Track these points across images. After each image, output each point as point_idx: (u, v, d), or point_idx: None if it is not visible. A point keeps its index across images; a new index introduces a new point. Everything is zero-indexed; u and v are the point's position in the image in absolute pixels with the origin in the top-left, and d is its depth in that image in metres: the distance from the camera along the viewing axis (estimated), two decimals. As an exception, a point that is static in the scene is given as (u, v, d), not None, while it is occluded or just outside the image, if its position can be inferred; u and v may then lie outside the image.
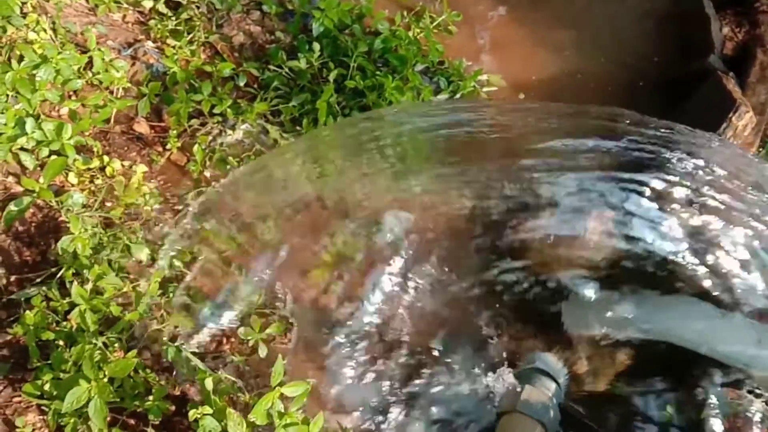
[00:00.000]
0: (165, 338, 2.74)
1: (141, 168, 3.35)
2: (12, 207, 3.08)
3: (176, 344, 2.71)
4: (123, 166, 3.35)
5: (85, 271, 2.81)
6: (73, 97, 3.44)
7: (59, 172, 3.13)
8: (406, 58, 3.90)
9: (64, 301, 2.73)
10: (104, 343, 2.63)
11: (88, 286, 2.79)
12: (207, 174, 3.71)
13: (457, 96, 3.97)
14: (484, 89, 4.02)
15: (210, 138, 3.81)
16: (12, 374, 2.71)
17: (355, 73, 3.90)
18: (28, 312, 2.69)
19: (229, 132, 3.84)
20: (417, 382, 3.05)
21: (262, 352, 2.99)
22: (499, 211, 3.21)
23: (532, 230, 3.17)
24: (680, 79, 3.96)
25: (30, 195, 3.09)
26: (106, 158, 3.35)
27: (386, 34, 3.90)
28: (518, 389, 2.87)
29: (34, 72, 3.23)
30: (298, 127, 3.87)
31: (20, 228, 3.10)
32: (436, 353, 3.10)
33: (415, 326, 3.14)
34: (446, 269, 3.21)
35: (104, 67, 3.44)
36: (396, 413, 3.00)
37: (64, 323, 2.72)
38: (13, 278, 2.95)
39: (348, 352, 3.08)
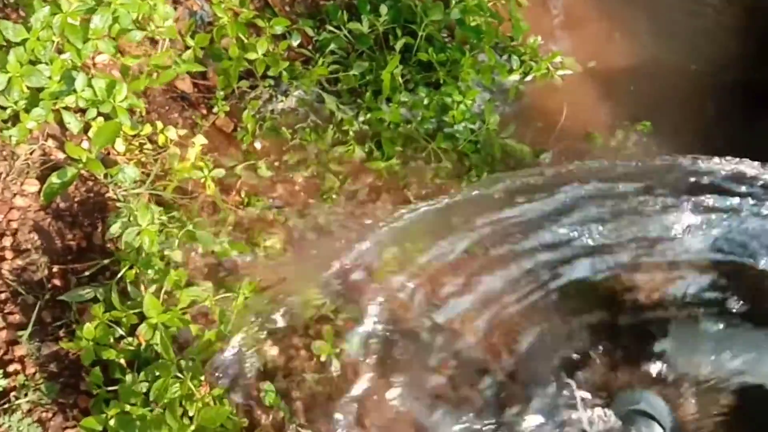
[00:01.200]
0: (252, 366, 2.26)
1: (200, 139, 2.81)
2: (54, 179, 2.54)
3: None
4: (179, 135, 2.79)
5: (150, 271, 2.29)
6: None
7: (111, 140, 2.59)
8: (483, 33, 3.40)
9: (130, 312, 2.20)
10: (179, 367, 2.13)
11: (153, 289, 2.28)
12: (257, 145, 3.18)
13: (529, 78, 3.50)
14: (558, 72, 3.56)
15: (260, 103, 3.27)
16: (62, 397, 2.20)
17: (423, 44, 3.39)
18: (88, 325, 2.17)
19: (281, 98, 3.33)
20: (505, 413, 2.66)
21: (335, 367, 2.53)
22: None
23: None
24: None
25: (74, 165, 2.54)
26: (159, 124, 2.80)
27: (468, 3, 3.38)
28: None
29: (88, 17, 2.62)
30: (357, 99, 3.35)
31: (62, 205, 2.55)
32: (522, 384, 2.70)
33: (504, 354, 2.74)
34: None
35: (164, 17, 2.84)
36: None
37: (130, 338, 2.20)
38: (55, 268, 2.43)
39: (431, 376, 2.66)
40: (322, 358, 2.59)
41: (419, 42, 3.41)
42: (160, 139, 2.84)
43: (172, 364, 2.05)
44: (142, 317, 2.25)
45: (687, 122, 3.38)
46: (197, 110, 3.23)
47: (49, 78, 2.59)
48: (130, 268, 2.34)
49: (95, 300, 2.30)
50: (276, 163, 3.21)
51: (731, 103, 3.58)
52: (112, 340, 2.20)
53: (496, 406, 2.67)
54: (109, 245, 2.55)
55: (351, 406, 2.58)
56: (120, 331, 2.24)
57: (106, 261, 2.46)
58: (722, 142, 3.17)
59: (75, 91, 2.61)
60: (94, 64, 2.87)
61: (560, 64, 3.57)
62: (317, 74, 3.27)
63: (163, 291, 2.27)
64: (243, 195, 3.05)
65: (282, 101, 3.35)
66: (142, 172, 2.77)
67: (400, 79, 3.35)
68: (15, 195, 2.54)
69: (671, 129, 3.42)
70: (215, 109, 3.20)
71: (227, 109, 3.20)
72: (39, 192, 2.57)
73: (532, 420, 2.67)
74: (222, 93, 3.22)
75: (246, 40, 3.28)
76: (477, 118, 3.33)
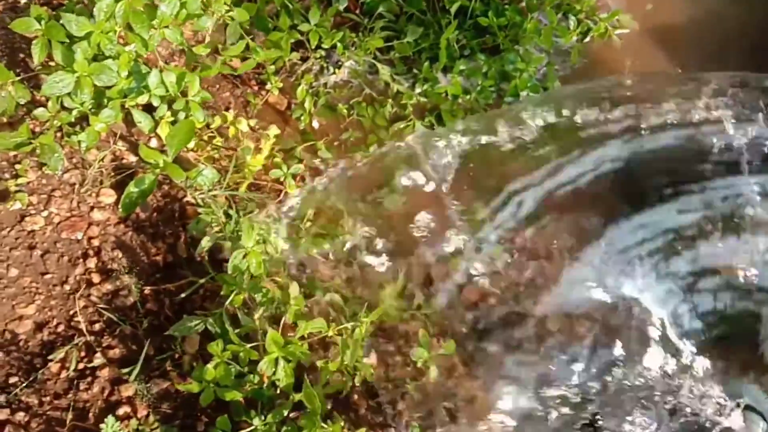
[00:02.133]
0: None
1: (273, 131, 2.58)
2: (132, 188, 2.30)
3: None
4: (250, 127, 2.55)
5: (259, 296, 2.09)
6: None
7: (188, 140, 2.35)
8: (545, -8, 3.18)
9: (248, 347, 2.01)
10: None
11: (260, 312, 2.09)
12: (314, 124, 2.95)
13: (587, 39, 3.30)
14: (616, 31, 3.36)
15: (312, 77, 3.02)
16: (181, 440, 2.03)
17: (478, 6, 3.15)
18: (208, 368, 1.97)
19: (333, 70, 3.07)
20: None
21: (433, 374, 2.39)
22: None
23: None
24: None
25: (151, 170, 2.29)
26: (229, 115, 2.55)
27: (525, -40, 3.15)
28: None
29: (151, 3, 2.34)
30: (412, 69, 3.11)
31: (141, 215, 2.32)
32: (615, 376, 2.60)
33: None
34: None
35: (229, -1, 2.56)
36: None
37: (251, 375, 2.02)
38: (147, 290, 2.21)
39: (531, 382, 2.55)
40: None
41: (473, 4, 3.17)
42: (231, 132, 2.59)
43: (316, 415, 1.87)
44: (257, 346, 2.06)
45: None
46: (248, 86, 2.98)
47: (116, 72, 2.31)
48: (237, 293, 2.12)
49: (206, 332, 2.10)
50: (335, 143, 2.98)
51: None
52: (232, 378, 2.01)
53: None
54: (195, 257, 2.32)
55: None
56: (237, 367, 2.04)
57: (201, 280, 2.24)
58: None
59: (147, 88, 2.34)
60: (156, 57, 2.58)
61: (617, 22, 3.36)
62: (373, 44, 3.01)
63: (282, 323, 2.07)
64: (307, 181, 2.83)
65: (334, 74, 3.10)
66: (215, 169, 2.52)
67: (455, 45, 3.12)
68: (92, 208, 2.30)
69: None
70: (268, 86, 2.93)
71: (280, 85, 2.94)
72: (116, 203, 2.33)
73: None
74: (273, 67, 2.95)
75: (291, 7, 3.00)
76: (538, 86, 3.12)
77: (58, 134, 2.34)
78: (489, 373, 2.59)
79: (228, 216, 2.42)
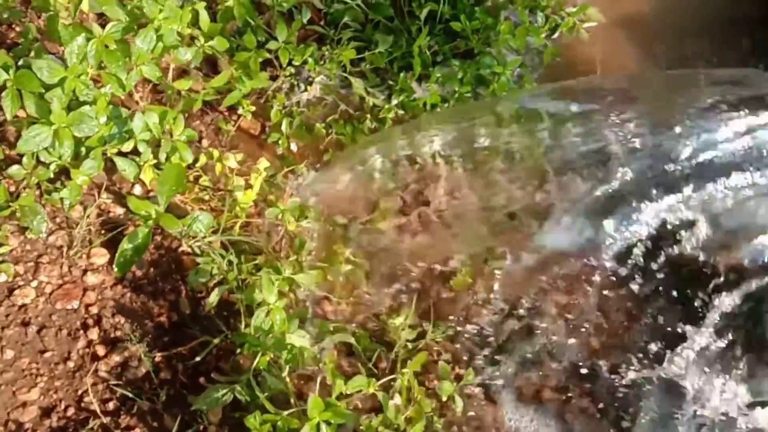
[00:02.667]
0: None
1: (263, 163, 2.40)
2: (126, 245, 2.10)
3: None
4: (238, 163, 2.37)
5: (284, 353, 1.93)
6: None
7: (180, 185, 2.15)
8: (514, -8, 3.07)
9: (284, 414, 1.85)
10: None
11: (284, 372, 1.94)
12: (293, 147, 2.78)
13: (556, 35, 3.20)
14: (584, 25, 3.26)
15: (283, 97, 2.85)
16: None
17: (446, 9, 3.01)
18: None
19: (305, 87, 2.90)
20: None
21: (459, 406, 2.27)
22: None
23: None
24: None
25: (144, 223, 2.09)
26: (215, 152, 2.36)
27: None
28: None
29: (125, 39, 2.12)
30: (386, 80, 2.97)
31: (137, 273, 2.11)
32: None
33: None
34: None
35: (209, 25, 2.36)
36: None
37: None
38: (158, 356, 2.01)
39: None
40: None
41: (442, 8, 3.03)
42: (217, 169, 2.40)
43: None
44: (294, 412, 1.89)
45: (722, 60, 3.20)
46: (218, 113, 2.77)
47: (93, 117, 2.09)
48: (259, 353, 1.95)
49: (235, 403, 1.92)
50: (317, 165, 2.81)
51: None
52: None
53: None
54: (200, 312, 2.14)
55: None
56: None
57: (215, 340, 2.05)
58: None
59: (131, 132, 2.13)
60: (130, 95, 2.36)
61: (584, 16, 3.27)
62: (346, 57, 2.84)
63: (319, 383, 1.91)
64: (294, 209, 2.66)
65: (306, 91, 2.93)
66: (202, 209, 2.34)
67: (427, 52, 2.98)
68: (85, 272, 2.08)
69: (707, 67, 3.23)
70: (239, 111, 2.72)
71: (253, 109, 2.74)
72: (109, 262, 2.12)
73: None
74: (240, 90, 2.75)
75: (254, 23, 2.80)
76: (517, 89, 3.01)
77: (37, 192, 2.10)
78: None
79: (229, 263, 2.24)
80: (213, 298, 2.10)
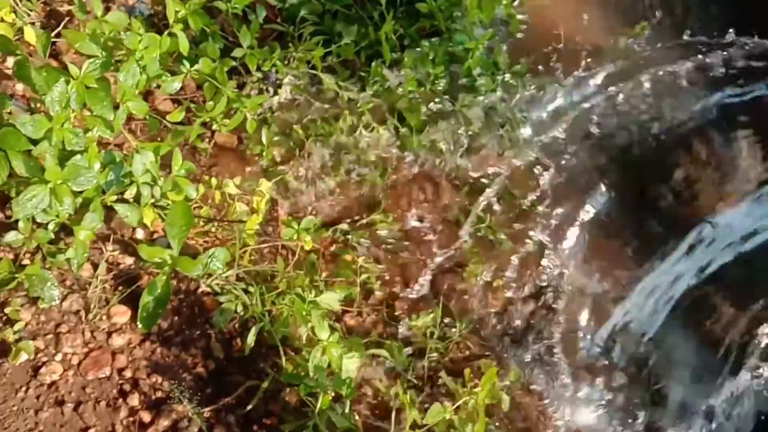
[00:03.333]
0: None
1: (265, 184, 2.25)
2: (147, 298, 1.95)
3: None
4: (236, 186, 2.21)
5: (344, 389, 1.83)
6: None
7: (189, 224, 1.99)
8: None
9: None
10: None
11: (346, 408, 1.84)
12: (276, 154, 2.64)
13: (516, 2, 3.10)
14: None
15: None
16: None
17: (405, -11, 2.89)
18: None
19: (274, 91, 2.75)
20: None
21: (505, 404, 2.20)
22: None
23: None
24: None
25: (161, 271, 1.94)
26: (213, 180, 2.20)
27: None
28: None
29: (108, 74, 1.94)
30: (355, 71, 2.84)
31: (162, 324, 1.96)
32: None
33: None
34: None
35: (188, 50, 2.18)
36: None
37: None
38: (207, 412, 1.87)
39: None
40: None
41: (399, -12, 2.90)
42: (217, 197, 2.24)
43: None
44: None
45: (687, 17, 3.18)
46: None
47: (86, 168, 1.90)
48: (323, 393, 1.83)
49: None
50: (303, 170, 2.67)
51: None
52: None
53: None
54: (234, 353, 2.00)
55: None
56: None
57: (263, 384, 1.92)
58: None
59: (129, 176, 1.95)
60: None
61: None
62: (316, 56, 2.70)
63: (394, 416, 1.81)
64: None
65: (276, 95, 2.77)
66: (206, 243, 2.19)
67: (394, 37, 2.85)
68: (109, 335, 1.91)
69: (671, 23, 3.20)
70: (213, 126, 2.56)
71: (227, 122, 2.57)
72: (132, 318, 1.95)
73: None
74: (212, 103, 2.58)
75: (209, 30, 2.62)
76: (491, 62, 2.92)
77: (39, 257, 1.91)
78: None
79: (247, 293, 2.10)
80: (250, 339, 1.96)
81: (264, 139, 2.59)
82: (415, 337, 2.37)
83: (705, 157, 2.83)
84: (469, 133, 2.84)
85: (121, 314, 1.96)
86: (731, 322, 2.56)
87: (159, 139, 2.30)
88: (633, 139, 2.88)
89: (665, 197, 2.77)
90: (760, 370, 2.51)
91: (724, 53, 3.09)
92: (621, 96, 2.96)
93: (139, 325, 1.95)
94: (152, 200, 2.05)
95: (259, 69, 2.66)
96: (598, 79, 3.01)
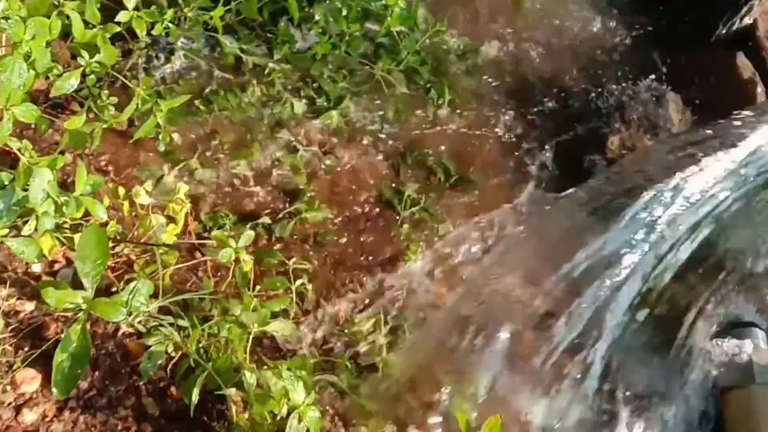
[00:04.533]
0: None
1: (182, 187, 1.85)
2: (60, 356, 1.52)
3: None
4: (148, 192, 1.81)
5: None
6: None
7: (105, 254, 1.57)
8: None
9: None
10: None
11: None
12: (175, 136, 2.22)
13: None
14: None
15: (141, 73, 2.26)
16: None
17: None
18: None
19: (165, 59, 2.31)
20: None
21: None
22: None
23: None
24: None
25: (77, 319, 1.54)
26: (121, 189, 1.78)
27: None
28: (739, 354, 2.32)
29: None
30: (260, 32, 2.44)
31: (82, 384, 1.56)
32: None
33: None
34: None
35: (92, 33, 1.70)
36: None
37: None
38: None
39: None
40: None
41: (303, -67, 2.47)
42: (125, 209, 1.81)
43: None
44: None
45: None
46: (70, 112, 2.12)
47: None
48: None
49: None
50: (208, 153, 2.26)
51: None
52: None
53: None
54: (172, 408, 1.63)
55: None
56: None
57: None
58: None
59: (24, 203, 1.50)
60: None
61: None
62: (215, 17, 2.25)
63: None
64: (204, 219, 2.13)
65: (169, 63, 2.32)
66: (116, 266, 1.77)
67: (301, -8, 2.44)
68: (18, 410, 1.48)
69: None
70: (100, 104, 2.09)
71: (115, 100, 2.11)
72: (44, 383, 1.52)
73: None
74: (93, 77, 2.10)
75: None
76: (412, 19, 2.57)
77: None
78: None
79: (179, 329, 1.72)
80: (194, 396, 1.58)
81: (161, 119, 2.14)
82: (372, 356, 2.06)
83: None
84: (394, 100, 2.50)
85: (30, 380, 1.52)
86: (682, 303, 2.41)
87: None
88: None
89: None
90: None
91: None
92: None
93: (54, 391, 1.51)
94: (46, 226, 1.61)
95: (150, 34, 2.19)
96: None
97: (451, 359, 2.12)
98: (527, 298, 2.25)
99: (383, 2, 2.50)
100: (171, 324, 1.70)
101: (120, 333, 1.66)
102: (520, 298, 2.25)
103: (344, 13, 2.48)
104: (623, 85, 2.70)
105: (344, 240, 2.24)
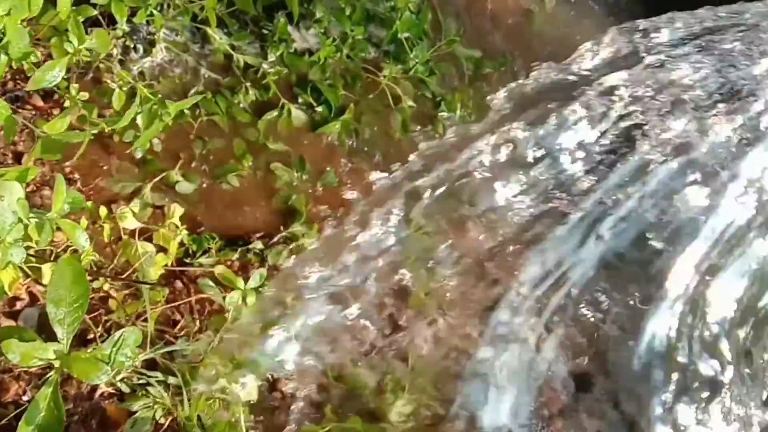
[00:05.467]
0: None
1: (177, 209, 1.50)
2: (24, 430, 1.15)
3: None
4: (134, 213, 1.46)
5: None
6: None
7: (87, 298, 1.21)
8: None
9: None
10: None
11: None
12: (155, 141, 1.87)
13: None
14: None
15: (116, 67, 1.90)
16: None
17: None
18: None
19: (145, 50, 1.95)
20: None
21: None
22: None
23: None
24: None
25: (49, 379, 1.18)
26: (102, 210, 1.43)
27: None
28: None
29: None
30: (254, 28, 2.10)
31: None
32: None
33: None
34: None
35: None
36: None
37: None
38: None
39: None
40: None
41: None
42: (105, 233, 1.45)
43: None
44: None
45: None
46: (36, 109, 1.76)
47: None
48: None
49: None
50: (192, 164, 1.91)
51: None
52: None
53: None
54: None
55: None
56: None
57: None
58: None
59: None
60: None
61: None
62: (208, 6, 1.90)
63: None
64: (187, 241, 1.77)
65: (149, 55, 1.95)
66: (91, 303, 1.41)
67: (298, -16, 2.11)
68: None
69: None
70: (66, 102, 1.73)
71: (85, 96, 1.74)
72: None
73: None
74: (63, 69, 1.72)
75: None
76: (421, 25, 2.26)
77: None
78: None
79: (167, 387, 1.37)
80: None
81: (139, 119, 1.78)
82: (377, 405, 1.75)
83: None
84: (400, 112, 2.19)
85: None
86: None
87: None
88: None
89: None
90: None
91: None
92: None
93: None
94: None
95: (131, 21, 1.83)
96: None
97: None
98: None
99: (392, 4, 2.18)
100: (159, 382, 1.36)
101: (97, 394, 1.30)
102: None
103: (348, 12, 2.15)
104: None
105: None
